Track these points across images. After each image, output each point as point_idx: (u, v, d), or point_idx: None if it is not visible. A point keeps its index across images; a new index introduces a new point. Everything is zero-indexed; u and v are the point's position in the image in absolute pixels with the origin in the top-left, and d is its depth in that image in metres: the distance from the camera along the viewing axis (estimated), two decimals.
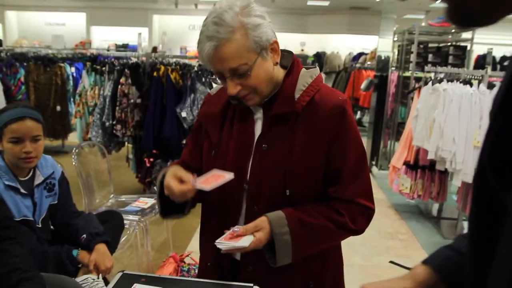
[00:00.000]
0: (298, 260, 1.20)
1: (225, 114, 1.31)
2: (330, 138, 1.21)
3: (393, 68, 5.94)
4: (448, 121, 3.54)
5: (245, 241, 1.12)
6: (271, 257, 1.18)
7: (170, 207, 1.30)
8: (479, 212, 0.56)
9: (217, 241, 1.13)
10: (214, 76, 4.10)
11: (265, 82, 1.19)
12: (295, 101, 1.21)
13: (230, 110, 1.31)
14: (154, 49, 8.07)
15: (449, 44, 5.39)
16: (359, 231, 1.25)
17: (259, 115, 1.27)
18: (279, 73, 1.24)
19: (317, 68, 1.30)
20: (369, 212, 1.26)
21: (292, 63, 1.27)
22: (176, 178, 1.17)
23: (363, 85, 7.56)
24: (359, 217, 1.24)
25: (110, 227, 2.12)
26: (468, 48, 5.18)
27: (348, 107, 1.23)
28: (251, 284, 1.15)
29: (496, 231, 0.48)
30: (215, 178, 1.17)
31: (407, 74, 5.36)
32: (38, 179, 1.88)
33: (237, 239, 1.13)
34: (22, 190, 1.80)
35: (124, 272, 1.21)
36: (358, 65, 9.44)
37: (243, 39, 1.11)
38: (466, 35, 5.40)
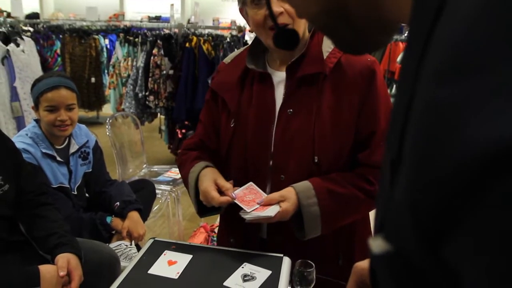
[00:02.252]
0: (327, 233, 1.16)
1: (243, 82, 1.25)
2: (360, 101, 1.16)
3: None
4: None
5: (271, 211, 1.08)
6: (299, 230, 1.15)
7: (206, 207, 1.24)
8: None
9: (241, 211, 1.10)
10: None
11: (303, 25, 1.13)
12: (324, 61, 1.15)
13: (248, 77, 1.24)
14: (189, 22, 8.05)
15: None
16: None
17: (279, 79, 1.21)
18: (306, 32, 1.19)
19: None
20: None
21: None
22: (215, 186, 1.14)
23: (400, 58, 7.30)
24: None
25: (142, 195, 2.16)
26: None
27: (378, 68, 1.18)
28: (281, 255, 1.14)
29: None
30: (253, 193, 1.14)
31: None
32: (73, 148, 1.93)
33: (262, 209, 1.09)
34: (58, 158, 1.85)
35: (155, 239, 1.22)
36: (395, 37, 9.12)
37: None
38: None
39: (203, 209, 1.23)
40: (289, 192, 1.13)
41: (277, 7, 1.08)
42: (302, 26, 1.14)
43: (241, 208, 1.10)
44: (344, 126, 1.16)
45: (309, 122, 1.15)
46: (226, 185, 1.14)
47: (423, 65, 0.28)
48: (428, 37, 0.28)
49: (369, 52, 0.48)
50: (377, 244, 0.33)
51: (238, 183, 1.24)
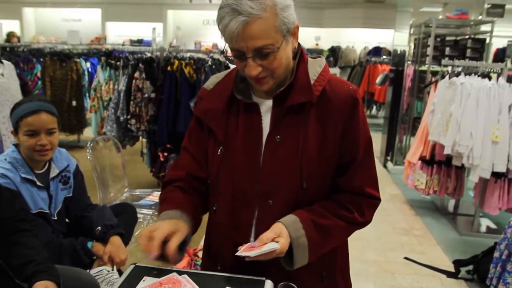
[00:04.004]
0: (312, 261, 1.19)
1: (229, 110, 1.26)
2: (344, 128, 1.19)
3: (409, 62, 5.85)
4: (465, 116, 3.47)
5: (273, 245, 1.08)
6: (286, 261, 1.16)
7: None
8: None
9: (238, 252, 1.09)
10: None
11: (284, 66, 1.16)
12: (312, 90, 1.18)
13: (234, 106, 1.26)
14: (171, 46, 8.10)
15: (467, 37, 5.28)
16: (366, 222, 1.27)
17: (265, 108, 1.23)
18: (290, 62, 1.21)
19: (323, 57, 1.28)
20: (375, 202, 1.27)
21: (300, 51, 1.24)
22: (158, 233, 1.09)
23: (378, 80, 7.47)
24: (366, 210, 1.25)
25: (123, 219, 2.13)
26: (487, 41, 5.06)
27: (359, 97, 1.23)
28: (263, 278, 1.13)
29: None
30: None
31: (424, 68, 5.27)
32: (54, 172, 1.90)
33: (259, 248, 1.09)
34: (38, 183, 1.82)
35: (137, 264, 1.21)
36: (373, 59, 9.33)
37: (273, 19, 1.06)
38: (485, 27, 5.27)
39: None
40: (279, 227, 1.14)
41: (254, 70, 1.11)
42: (282, 72, 1.16)
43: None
44: (328, 152, 1.19)
45: (297, 149, 1.18)
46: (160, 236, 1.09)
47: None
48: None
49: None
50: None
51: (225, 209, 1.25)
